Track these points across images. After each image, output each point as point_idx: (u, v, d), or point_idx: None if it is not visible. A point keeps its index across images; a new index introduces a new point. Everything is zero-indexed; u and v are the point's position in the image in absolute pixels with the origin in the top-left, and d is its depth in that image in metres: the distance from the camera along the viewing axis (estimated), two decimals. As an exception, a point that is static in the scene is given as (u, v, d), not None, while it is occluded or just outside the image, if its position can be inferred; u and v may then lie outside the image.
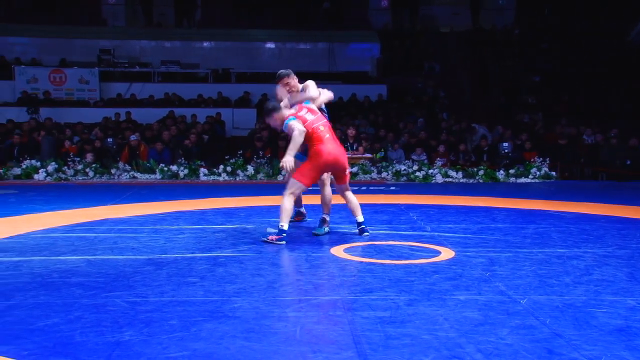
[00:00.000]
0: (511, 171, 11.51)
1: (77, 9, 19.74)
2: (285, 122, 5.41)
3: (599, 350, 2.89)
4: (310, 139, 5.39)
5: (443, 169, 11.47)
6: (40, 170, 11.10)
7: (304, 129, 5.34)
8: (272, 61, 19.53)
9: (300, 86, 5.93)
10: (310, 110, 5.60)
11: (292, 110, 5.58)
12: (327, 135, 5.47)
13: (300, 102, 5.71)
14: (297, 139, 5.27)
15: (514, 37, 19.58)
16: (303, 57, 19.65)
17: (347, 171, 5.68)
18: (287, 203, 5.34)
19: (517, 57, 18.61)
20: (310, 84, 5.92)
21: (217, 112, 15.49)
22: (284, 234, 5.30)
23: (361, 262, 4.60)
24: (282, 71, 6.06)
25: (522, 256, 4.82)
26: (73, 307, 3.50)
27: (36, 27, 18.59)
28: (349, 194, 5.75)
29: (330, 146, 5.43)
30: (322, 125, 5.51)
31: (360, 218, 5.75)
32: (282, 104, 5.67)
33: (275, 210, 7.51)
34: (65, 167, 11.25)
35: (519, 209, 7.51)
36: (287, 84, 5.92)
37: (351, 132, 12.51)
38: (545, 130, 14.44)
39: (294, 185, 5.37)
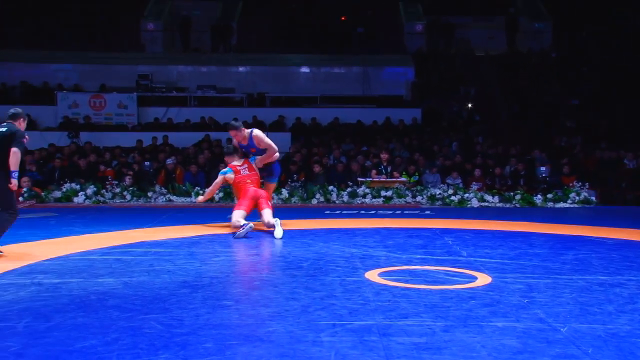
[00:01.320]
0: (549, 196, 11.31)
1: (117, 35, 20.29)
2: (222, 171, 7.83)
3: (643, 381, 2.80)
4: (237, 185, 7.68)
5: (479, 193, 11.34)
6: (79, 194, 11.33)
7: (231, 177, 7.72)
8: (307, 85, 19.71)
9: (246, 134, 7.80)
10: (249, 167, 7.78)
11: (237, 162, 7.78)
12: (251, 187, 7.59)
13: (248, 157, 7.89)
14: (217, 184, 7.95)
15: (551, 60, 19.40)
16: (337, 81, 19.79)
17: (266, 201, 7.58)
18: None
19: (554, 80, 18.41)
20: (259, 134, 7.84)
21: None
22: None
23: (396, 287, 4.57)
24: (231, 123, 7.86)
25: (562, 283, 4.72)
26: (110, 329, 3.55)
27: (78, 53, 19.15)
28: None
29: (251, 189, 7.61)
30: (249, 179, 7.67)
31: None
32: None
33: (309, 234, 7.53)
34: (104, 190, 11.47)
35: (557, 235, 7.37)
36: (235, 135, 7.84)
37: (384, 156, 12.51)
38: (585, 154, 14.20)
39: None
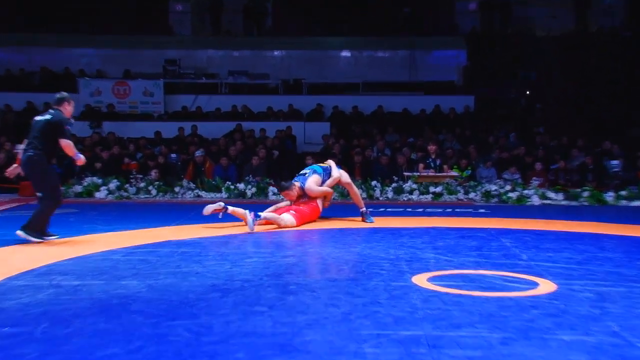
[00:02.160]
0: (622, 193, 11.03)
1: (142, 17, 20.56)
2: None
3: None
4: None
5: (540, 190, 11.15)
6: (101, 188, 11.52)
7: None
8: (348, 71, 19.68)
9: (298, 188, 8.43)
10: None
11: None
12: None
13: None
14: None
15: (624, 40, 18.89)
16: (381, 66, 19.71)
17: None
18: None
19: (628, 63, 17.93)
20: (311, 186, 8.43)
21: (288, 126, 15.70)
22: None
23: (447, 294, 4.49)
24: (282, 184, 8.55)
25: (638, 292, 4.57)
26: (134, 336, 3.56)
27: (101, 37, 19.45)
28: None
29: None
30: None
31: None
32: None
33: (350, 234, 7.49)
34: (128, 185, 11.64)
35: (632, 237, 7.17)
36: (287, 195, 8.48)
37: (432, 148, 12.37)
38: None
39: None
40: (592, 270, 5.32)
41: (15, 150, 7.58)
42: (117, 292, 4.52)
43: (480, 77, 18.51)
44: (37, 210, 6.56)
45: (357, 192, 8.83)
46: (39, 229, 6.55)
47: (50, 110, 6.64)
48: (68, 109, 6.71)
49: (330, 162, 8.89)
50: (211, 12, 21.09)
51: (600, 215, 9.27)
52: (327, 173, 8.64)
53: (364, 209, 8.59)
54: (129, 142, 14.89)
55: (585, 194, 11.02)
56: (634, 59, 18.00)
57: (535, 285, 4.77)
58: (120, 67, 18.89)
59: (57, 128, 6.47)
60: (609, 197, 10.99)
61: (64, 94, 6.81)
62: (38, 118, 6.69)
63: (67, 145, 6.48)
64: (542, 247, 6.45)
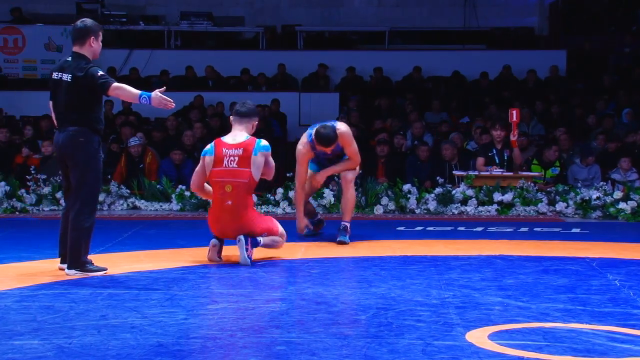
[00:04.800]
0: None
1: None
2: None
3: None
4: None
5: (670, 199, 11.17)
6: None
7: None
8: (366, 13, 19.77)
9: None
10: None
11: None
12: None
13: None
14: None
15: None
16: (419, 5, 19.75)
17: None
18: None
19: None
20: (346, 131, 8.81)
21: (274, 99, 15.74)
22: None
23: (521, 359, 4.54)
24: (325, 133, 8.52)
25: None
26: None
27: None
28: None
29: None
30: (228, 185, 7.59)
31: None
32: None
33: (370, 265, 7.53)
34: (23, 191, 11.65)
35: None
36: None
37: (499, 133, 12.31)
38: None
39: None
40: None
41: None
42: (9, 358, 4.55)
43: (576, 22, 18.54)
44: None
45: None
46: None
47: (68, 60, 6.97)
48: (95, 47, 7.04)
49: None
50: None
51: None
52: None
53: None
54: (24, 122, 14.92)
55: None
56: None
57: (658, 346, 4.81)
58: (8, 3, 18.82)
59: (94, 81, 6.81)
60: None
61: (87, 21, 7.11)
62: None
63: (115, 89, 6.84)
64: (670, 288, 6.50)
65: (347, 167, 8.93)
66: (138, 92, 6.80)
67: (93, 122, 6.86)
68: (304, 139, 8.80)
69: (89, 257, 7.03)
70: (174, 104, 6.92)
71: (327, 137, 8.44)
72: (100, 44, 7.08)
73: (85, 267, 6.92)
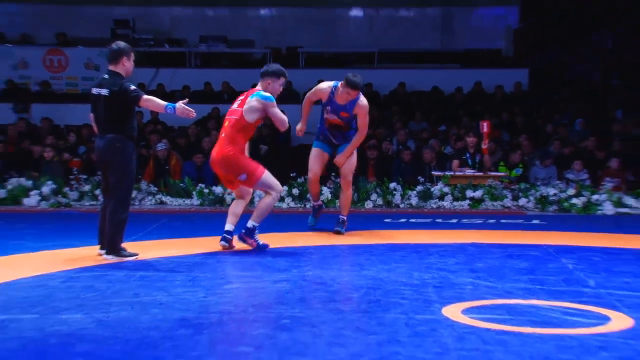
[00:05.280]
0: None
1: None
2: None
3: None
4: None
5: (615, 195, 11.18)
6: (31, 193, 11.56)
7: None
8: (359, 36, 19.72)
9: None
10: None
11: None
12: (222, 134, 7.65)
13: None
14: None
15: None
16: (404, 29, 19.73)
17: (239, 177, 7.56)
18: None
19: None
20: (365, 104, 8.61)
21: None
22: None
23: (488, 330, 4.55)
24: (355, 80, 8.40)
25: None
26: (78, 386, 3.63)
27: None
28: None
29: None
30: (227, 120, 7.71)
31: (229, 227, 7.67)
32: None
33: (362, 252, 7.56)
34: (67, 189, 11.69)
35: None
36: (350, 94, 8.45)
37: (472, 139, 12.39)
38: None
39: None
40: (680, 300, 5.38)
41: None
42: (56, 329, 4.56)
43: (537, 43, 18.51)
44: None
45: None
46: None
47: (105, 77, 6.99)
48: (128, 66, 7.07)
49: None
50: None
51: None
52: None
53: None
54: (67, 130, 14.89)
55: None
56: None
57: (605, 319, 4.82)
58: (54, 29, 18.79)
59: (126, 95, 6.85)
60: None
61: (120, 43, 7.15)
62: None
63: (146, 101, 6.90)
64: (615, 270, 6.50)
65: (357, 142, 8.81)
66: (164, 103, 6.87)
67: (128, 130, 6.92)
68: (327, 83, 8.79)
69: (123, 244, 7.10)
70: (195, 114, 6.99)
71: (355, 83, 8.34)
72: (133, 63, 7.14)
73: (120, 252, 7.01)
